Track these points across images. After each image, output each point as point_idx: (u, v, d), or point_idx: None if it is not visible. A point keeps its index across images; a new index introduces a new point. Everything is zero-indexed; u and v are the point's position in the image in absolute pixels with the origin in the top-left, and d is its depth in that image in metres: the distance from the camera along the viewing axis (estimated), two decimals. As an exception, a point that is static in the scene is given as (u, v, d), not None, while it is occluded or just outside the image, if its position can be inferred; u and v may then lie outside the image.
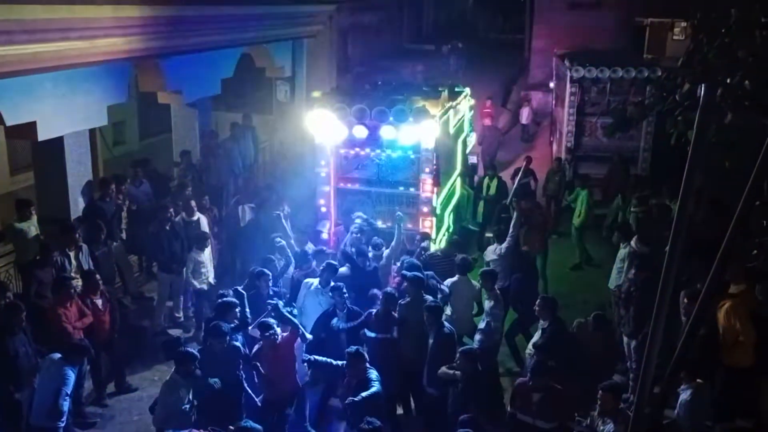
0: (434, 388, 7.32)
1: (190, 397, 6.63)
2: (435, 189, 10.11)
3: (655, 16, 19.59)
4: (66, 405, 6.86)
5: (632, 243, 9.57)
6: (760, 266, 8.35)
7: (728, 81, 5.45)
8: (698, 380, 6.69)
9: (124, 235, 10.71)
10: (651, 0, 20.49)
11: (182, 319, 10.22)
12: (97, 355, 8.44)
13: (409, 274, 8.16)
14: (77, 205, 10.14)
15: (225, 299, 7.62)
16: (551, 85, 20.01)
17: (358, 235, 9.42)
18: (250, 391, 7.37)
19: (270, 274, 8.34)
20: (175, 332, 10.03)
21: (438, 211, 10.36)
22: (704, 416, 6.84)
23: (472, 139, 14.43)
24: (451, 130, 11.47)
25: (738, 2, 5.88)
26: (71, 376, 6.92)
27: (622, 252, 9.78)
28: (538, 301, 8.03)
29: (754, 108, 5.41)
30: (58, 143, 9.62)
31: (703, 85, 3.18)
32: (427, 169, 9.98)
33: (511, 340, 9.39)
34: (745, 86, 5.37)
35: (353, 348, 6.90)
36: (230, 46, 12.27)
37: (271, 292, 8.23)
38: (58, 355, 7.01)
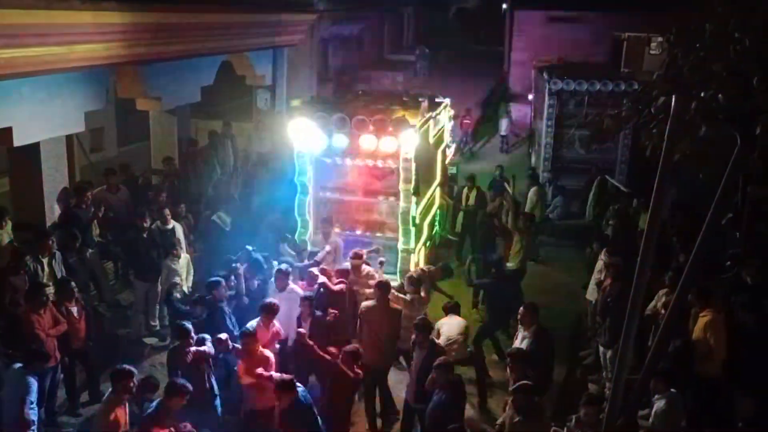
0: (421, 404, 7.29)
1: (128, 419, 6.42)
2: (414, 199, 10.14)
3: (633, 31, 19.89)
4: (33, 414, 6.75)
5: (602, 255, 9.67)
6: (733, 278, 8.49)
7: (702, 95, 5.53)
8: (672, 389, 6.76)
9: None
10: (628, 15, 20.83)
11: (158, 327, 10.11)
12: (71, 363, 8.35)
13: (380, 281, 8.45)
14: (53, 212, 10.02)
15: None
16: (530, 97, 20.21)
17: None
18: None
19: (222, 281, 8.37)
20: (150, 341, 9.93)
21: (417, 221, 10.38)
22: (678, 425, 6.91)
23: (452, 150, 14.51)
24: (431, 140, 11.51)
25: (713, 18, 6.00)
26: (33, 384, 6.81)
27: (600, 263, 9.87)
28: (522, 308, 8.07)
29: (727, 121, 5.49)
30: (34, 149, 9.51)
31: (674, 96, 3.24)
32: (406, 179, 10.00)
33: (479, 345, 9.43)
34: (719, 100, 5.45)
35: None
36: (210, 53, 12.23)
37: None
38: (19, 365, 6.91)
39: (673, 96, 3.38)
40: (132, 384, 6.41)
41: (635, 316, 3.33)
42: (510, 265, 10.79)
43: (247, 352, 7.22)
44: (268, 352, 7.37)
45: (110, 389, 6.46)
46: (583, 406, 6.33)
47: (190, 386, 6.36)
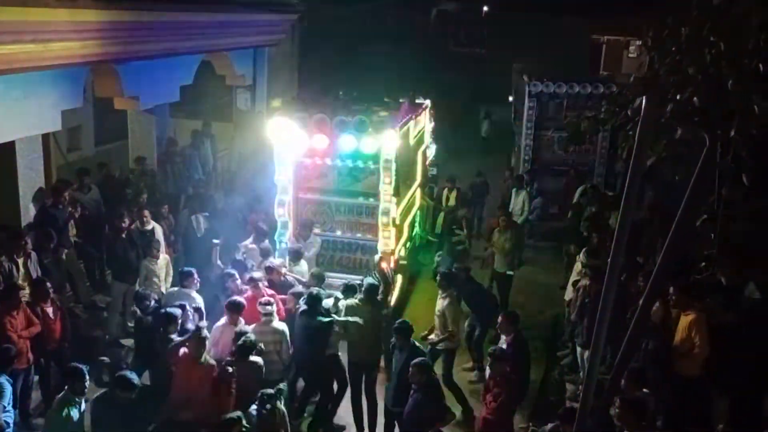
0: (401, 407, 7.29)
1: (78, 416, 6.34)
2: (394, 199, 10.14)
3: (612, 35, 20.11)
4: (8, 417, 6.65)
5: (580, 256, 9.73)
6: (708, 279, 8.58)
7: (678, 97, 5.62)
8: (644, 390, 6.80)
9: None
10: (607, 19, 21.03)
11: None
12: (46, 364, 8.25)
13: (366, 282, 8.46)
14: (29, 212, 9.88)
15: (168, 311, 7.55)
16: (510, 98, 20.30)
17: None
18: None
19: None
20: (127, 342, 9.83)
21: (397, 222, 10.39)
22: (651, 425, 6.96)
23: (432, 150, 14.55)
24: (411, 141, 11.54)
25: (688, 22, 6.08)
26: (7, 387, 6.72)
27: (579, 265, 9.92)
28: (501, 317, 8.09)
29: (702, 123, 5.57)
30: (9, 148, 9.37)
31: (644, 97, 3.27)
32: (386, 180, 10.01)
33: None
34: (694, 102, 5.54)
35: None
36: (190, 52, 12.13)
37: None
38: None
39: (644, 97, 3.40)
40: (85, 384, 6.40)
41: (606, 317, 3.36)
42: (507, 271, 10.85)
43: (189, 357, 7.01)
44: (212, 361, 7.15)
45: (65, 388, 6.43)
46: (561, 421, 6.35)
47: (137, 380, 6.37)
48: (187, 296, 8.47)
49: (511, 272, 11.01)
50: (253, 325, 7.81)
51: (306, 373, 8.33)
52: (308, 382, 8.41)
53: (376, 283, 8.71)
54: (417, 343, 7.71)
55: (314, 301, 8.00)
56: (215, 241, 9.89)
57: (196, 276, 8.69)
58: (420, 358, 7.08)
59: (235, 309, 7.84)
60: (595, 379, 3.52)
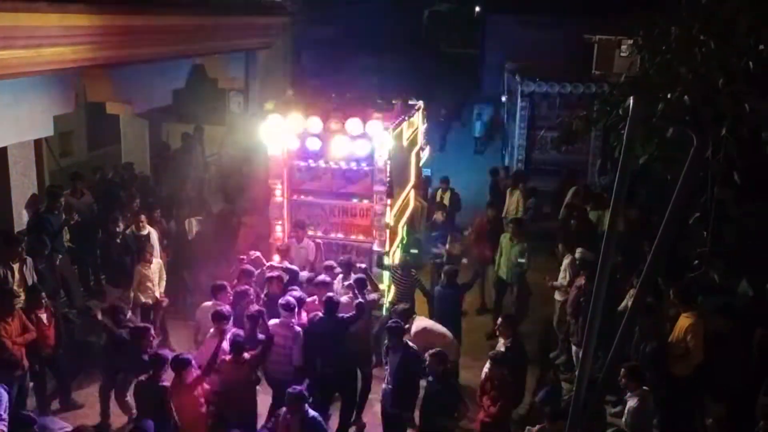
0: (398, 409, 7.32)
1: None
2: (388, 201, 10.14)
3: (603, 34, 20.10)
4: (3, 425, 6.62)
5: (578, 253, 9.73)
6: (701, 277, 8.61)
7: (669, 97, 5.63)
8: (644, 388, 6.84)
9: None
10: (599, 18, 21.05)
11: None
12: (41, 370, 8.23)
13: (354, 277, 8.58)
14: (21, 218, 9.86)
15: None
16: (503, 99, 20.35)
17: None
18: None
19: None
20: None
21: (391, 224, 10.39)
22: (649, 423, 7.00)
23: (426, 152, 14.55)
24: (405, 143, 11.54)
25: (679, 21, 6.10)
26: (3, 395, 6.68)
27: (565, 262, 9.94)
28: (500, 319, 8.08)
29: (692, 123, 5.59)
30: (1, 154, 9.35)
31: (631, 97, 3.29)
32: (380, 181, 10.01)
33: None
34: (685, 102, 5.55)
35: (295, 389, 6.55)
36: (181, 56, 12.12)
37: None
38: None
39: (631, 97, 3.43)
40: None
41: (597, 315, 3.38)
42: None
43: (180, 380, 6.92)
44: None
45: None
46: (548, 420, 6.38)
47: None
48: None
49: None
50: (272, 321, 7.87)
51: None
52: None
53: (363, 276, 8.72)
54: (410, 343, 7.70)
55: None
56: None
57: (229, 289, 8.53)
58: (437, 348, 7.12)
59: (219, 318, 7.75)
60: (587, 375, 3.55)
